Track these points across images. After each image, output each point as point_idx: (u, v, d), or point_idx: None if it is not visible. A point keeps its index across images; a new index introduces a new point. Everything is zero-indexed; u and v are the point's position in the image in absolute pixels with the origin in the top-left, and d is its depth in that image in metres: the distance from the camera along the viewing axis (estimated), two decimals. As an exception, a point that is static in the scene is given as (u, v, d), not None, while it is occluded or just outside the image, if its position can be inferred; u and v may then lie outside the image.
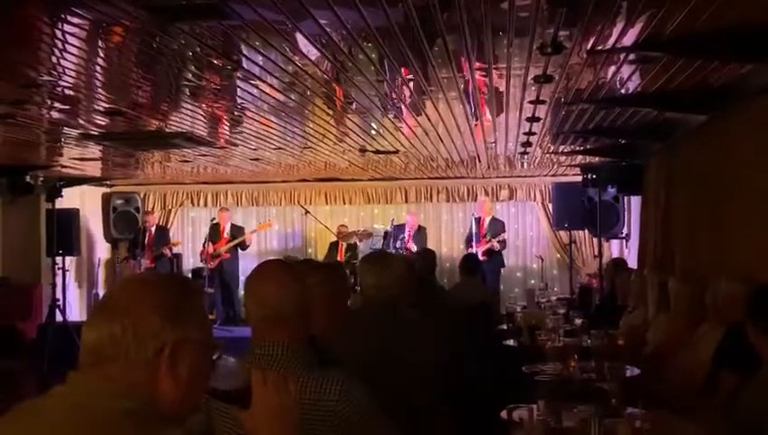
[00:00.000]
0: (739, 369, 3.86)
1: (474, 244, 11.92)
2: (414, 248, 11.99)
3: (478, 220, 12.19)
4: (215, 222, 12.66)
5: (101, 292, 13.28)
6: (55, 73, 4.90)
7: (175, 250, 13.08)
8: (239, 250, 12.73)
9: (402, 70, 5.05)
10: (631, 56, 4.64)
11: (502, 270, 12.41)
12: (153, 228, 12.86)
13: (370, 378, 2.52)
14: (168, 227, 13.58)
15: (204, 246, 12.55)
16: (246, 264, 12.41)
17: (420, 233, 12.54)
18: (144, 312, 1.63)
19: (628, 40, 4.26)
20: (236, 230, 12.76)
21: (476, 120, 7.08)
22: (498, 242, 12.00)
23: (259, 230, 12.96)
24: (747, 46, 4.29)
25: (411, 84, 5.54)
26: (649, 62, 4.81)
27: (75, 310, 11.83)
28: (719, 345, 4.35)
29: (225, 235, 12.63)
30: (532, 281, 12.87)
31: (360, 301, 4.65)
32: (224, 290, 12.58)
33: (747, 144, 5.69)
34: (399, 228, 12.49)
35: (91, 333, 1.63)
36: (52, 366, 9.95)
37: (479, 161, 10.71)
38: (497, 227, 12.22)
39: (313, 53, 4.60)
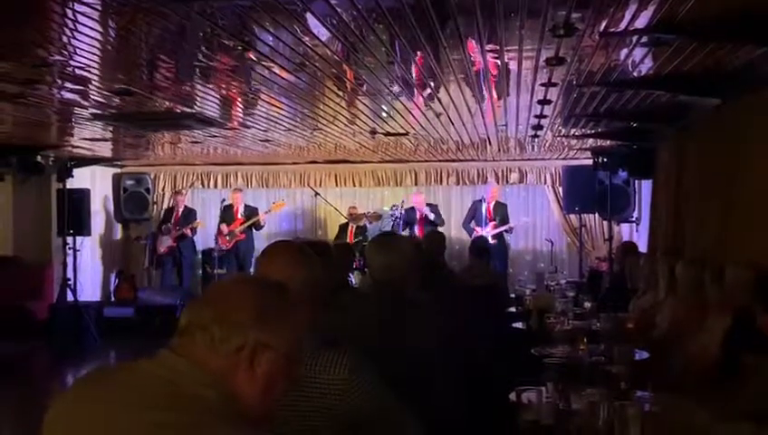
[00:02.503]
0: (750, 352, 3.86)
1: (482, 227, 11.94)
2: (431, 217, 12.15)
3: (481, 202, 12.22)
4: (227, 203, 12.68)
5: (113, 272, 13.34)
6: (66, 53, 4.90)
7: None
8: (254, 230, 12.77)
9: (415, 52, 5.04)
10: (644, 39, 4.61)
11: (509, 253, 12.48)
12: (181, 209, 12.93)
13: (378, 358, 2.53)
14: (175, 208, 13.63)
15: (218, 228, 12.60)
16: (261, 244, 12.45)
17: (433, 207, 12.58)
18: (235, 305, 1.69)
19: (641, 22, 4.23)
20: (250, 211, 12.79)
21: (487, 102, 7.06)
22: (510, 227, 12.13)
23: (273, 210, 12.98)
24: (761, 30, 4.26)
25: (422, 66, 5.52)
26: (662, 45, 4.78)
27: (86, 290, 11.89)
28: (730, 330, 4.34)
29: (239, 215, 12.67)
30: (542, 264, 12.85)
31: (368, 282, 4.66)
32: (238, 270, 12.64)
33: (760, 128, 5.66)
34: (410, 211, 12.48)
35: (185, 316, 1.71)
36: (62, 346, 10.02)
37: (490, 144, 10.69)
38: (503, 210, 12.28)
39: (324, 34, 4.58)
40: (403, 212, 12.39)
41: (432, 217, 12.31)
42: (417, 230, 12.16)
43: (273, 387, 1.72)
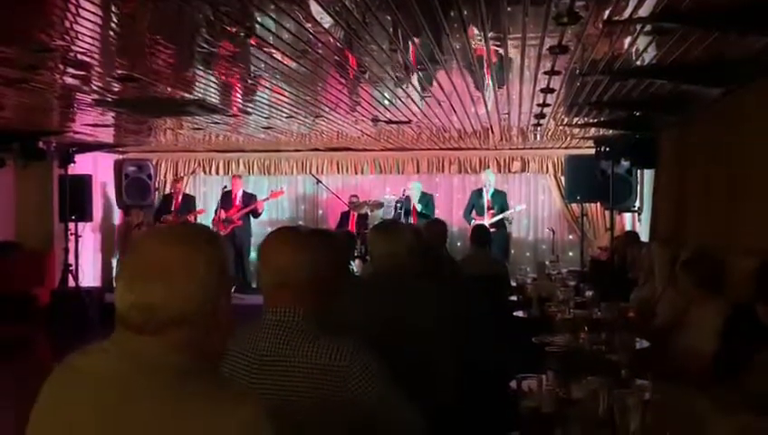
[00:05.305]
0: (750, 344, 3.86)
1: (483, 215, 11.94)
2: (418, 207, 12.11)
3: (480, 192, 12.21)
4: (227, 189, 12.68)
5: (114, 258, 13.34)
6: (68, 38, 4.89)
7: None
8: (251, 217, 12.78)
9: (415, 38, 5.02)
10: (647, 27, 4.59)
11: (510, 241, 12.49)
12: (180, 196, 12.91)
13: (380, 346, 2.54)
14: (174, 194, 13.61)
15: (216, 213, 12.60)
16: (259, 231, 12.47)
17: (425, 197, 12.55)
18: (205, 268, 1.64)
19: (645, 11, 4.22)
20: (248, 197, 12.80)
21: (490, 90, 7.05)
22: (511, 216, 12.15)
23: (271, 198, 12.98)
24: (765, 19, 4.24)
25: (424, 53, 5.51)
26: (666, 34, 4.77)
27: (88, 276, 11.90)
28: (728, 322, 4.33)
29: (238, 202, 12.67)
30: (543, 253, 12.85)
31: (369, 270, 4.65)
32: (235, 257, 12.67)
33: (763, 118, 5.65)
34: (405, 200, 12.46)
35: (147, 296, 1.61)
36: (64, 331, 10.04)
37: (492, 133, 10.68)
38: (502, 198, 12.26)
39: (327, 21, 4.57)
40: (404, 197, 12.37)
41: (419, 207, 12.27)
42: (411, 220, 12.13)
43: (231, 322, 1.73)
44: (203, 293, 1.63)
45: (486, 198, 12.16)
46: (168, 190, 13.47)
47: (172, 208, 12.77)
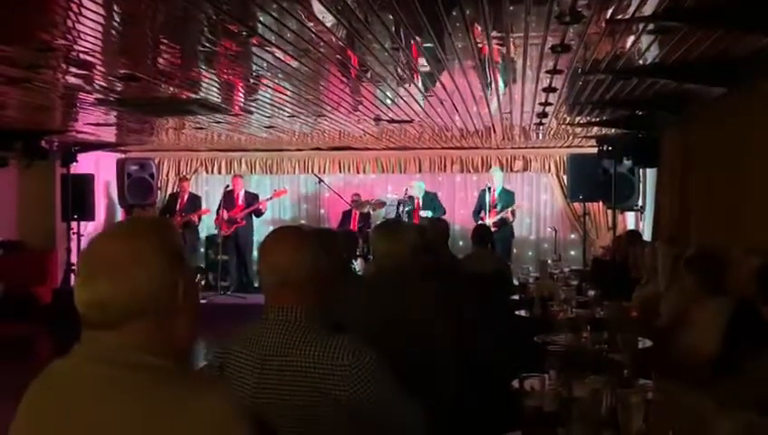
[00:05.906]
0: (753, 343, 3.86)
1: (485, 214, 11.92)
2: (423, 213, 12.10)
3: (487, 191, 12.18)
4: (229, 189, 12.68)
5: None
6: (71, 37, 4.89)
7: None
8: (254, 217, 12.78)
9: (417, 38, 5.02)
10: (650, 26, 4.59)
11: (512, 240, 12.46)
12: (186, 195, 12.91)
13: (382, 345, 2.54)
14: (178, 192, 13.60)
15: (218, 213, 12.59)
16: (262, 230, 12.46)
17: (429, 196, 12.54)
18: (153, 257, 1.62)
19: (648, 9, 4.21)
20: (250, 197, 12.79)
21: (492, 89, 7.04)
22: (511, 213, 12.07)
23: (274, 197, 12.98)
24: (767, 18, 4.24)
25: (427, 53, 5.50)
26: (668, 33, 4.76)
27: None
28: (731, 321, 4.33)
29: (240, 201, 12.66)
30: (545, 252, 12.83)
31: (372, 269, 4.65)
32: (237, 257, 12.68)
33: (766, 117, 5.64)
34: (408, 200, 12.45)
35: (97, 293, 1.61)
36: (66, 331, 10.03)
37: (494, 132, 10.67)
38: (508, 197, 12.23)
39: (329, 20, 4.57)
40: (406, 197, 12.36)
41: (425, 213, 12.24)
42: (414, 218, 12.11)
43: (197, 312, 1.72)
44: (154, 282, 1.61)
45: (491, 196, 12.12)
46: (171, 190, 13.47)
47: (177, 208, 12.76)
